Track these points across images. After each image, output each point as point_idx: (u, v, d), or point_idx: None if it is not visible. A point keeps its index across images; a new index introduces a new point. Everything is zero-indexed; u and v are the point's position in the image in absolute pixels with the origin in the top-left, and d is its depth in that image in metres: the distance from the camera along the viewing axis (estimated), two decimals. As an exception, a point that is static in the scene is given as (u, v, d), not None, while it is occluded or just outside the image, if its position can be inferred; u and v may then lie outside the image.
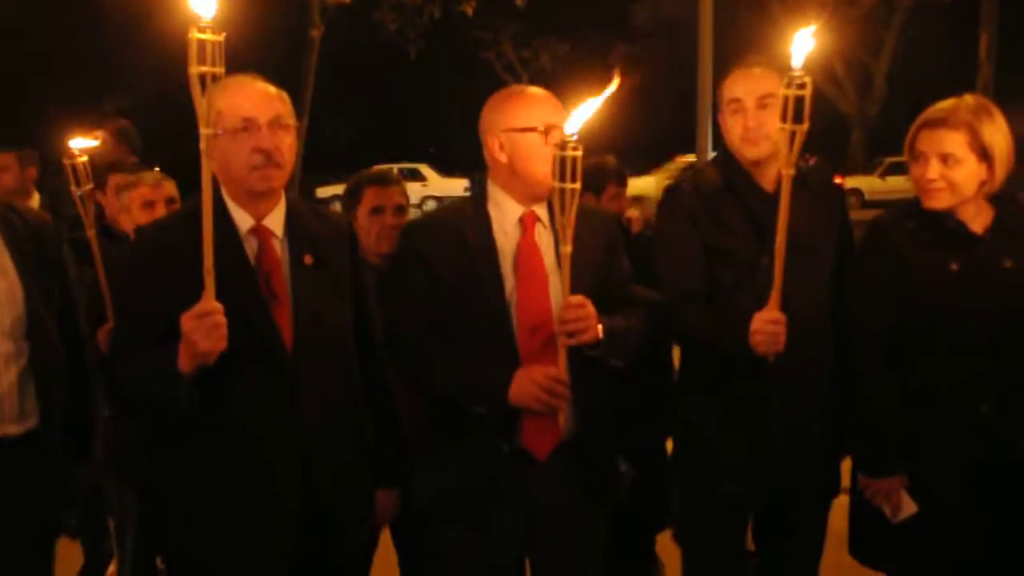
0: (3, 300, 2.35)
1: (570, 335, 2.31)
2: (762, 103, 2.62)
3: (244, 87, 2.27)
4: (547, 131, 2.40)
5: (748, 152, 2.66)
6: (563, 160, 2.19)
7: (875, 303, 2.60)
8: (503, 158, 2.46)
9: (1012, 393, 2.52)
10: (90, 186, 3.04)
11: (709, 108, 12.26)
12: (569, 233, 2.25)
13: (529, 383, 2.33)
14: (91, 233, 3.04)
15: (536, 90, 2.54)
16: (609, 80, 2.27)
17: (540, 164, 2.39)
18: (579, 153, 2.20)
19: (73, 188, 3.02)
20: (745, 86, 2.66)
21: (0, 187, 4.82)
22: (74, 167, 3.00)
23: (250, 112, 2.23)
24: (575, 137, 2.20)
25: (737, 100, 2.67)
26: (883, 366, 2.58)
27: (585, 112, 2.22)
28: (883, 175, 24.63)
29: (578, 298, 2.31)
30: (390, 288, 2.62)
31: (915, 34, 25.25)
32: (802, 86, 2.24)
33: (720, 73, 2.79)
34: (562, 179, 2.20)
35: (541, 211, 2.51)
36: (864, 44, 25.23)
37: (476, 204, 2.55)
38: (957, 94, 2.59)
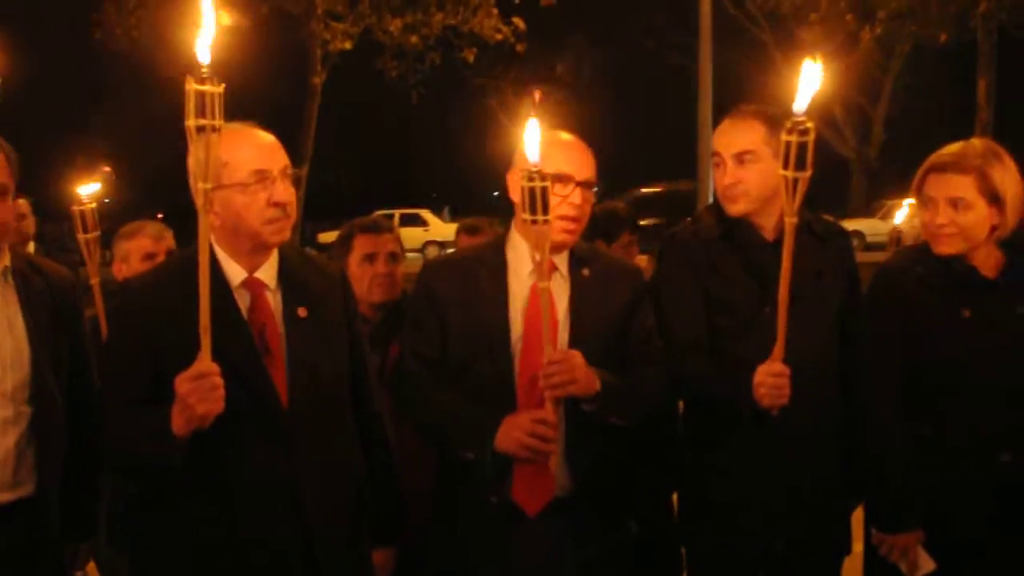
0: (8, 362, 2.30)
1: (554, 388, 2.25)
2: (740, 159, 2.55)
3: (249, 137, 2.22)
4: (553, 178, 2.34)
5: (727, 208, 2.61)
6: (531, 191, 2.13)
7: (885, 352, 2.54)
8: (517, 199, 2.41)
9: None
10: (97, 233, 3.01)
11: (710, 156, 12.29)
12: (545, 268, 2.19)
13: (513, 428, 2.28)
14: (95, 281, 3.01)
15: (559, 137, 2.49)
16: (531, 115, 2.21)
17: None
18: (547, 184, 2.14)
19: (80, 235, 2.99)
20: (725, 140, 2.60)
21: (19, 234, 4.88)
22: (82, 213, 2.99)
23: (262, 164, 2.17)
24: (535, 167, 2.13)
25: (717, 154, 2.62)
26: (895, 416, 2.51)
27: (533, 143, 2.16)
28: (884, 217, 24.70)
29: (563, 352, 2.27)
30: (389, 339, 2.58)
31: (912, 80, 25.48)
32: (805, 132, 2.16)
33: (720, 120, 2.74)
34: (532, 211, 2.13)
35: (560, 261, 2.46)
36: (862, 89, 25.45)
37: (495, 248, 2.52)
38: (956, 138, 2.55)
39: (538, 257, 2.19)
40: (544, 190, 2.13)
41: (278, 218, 2.18)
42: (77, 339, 2.51)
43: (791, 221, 2.25)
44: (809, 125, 2.17)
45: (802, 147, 2.17)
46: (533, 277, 2.42)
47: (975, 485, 2.45)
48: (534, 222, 2.14)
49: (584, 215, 2.45)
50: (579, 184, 2.41)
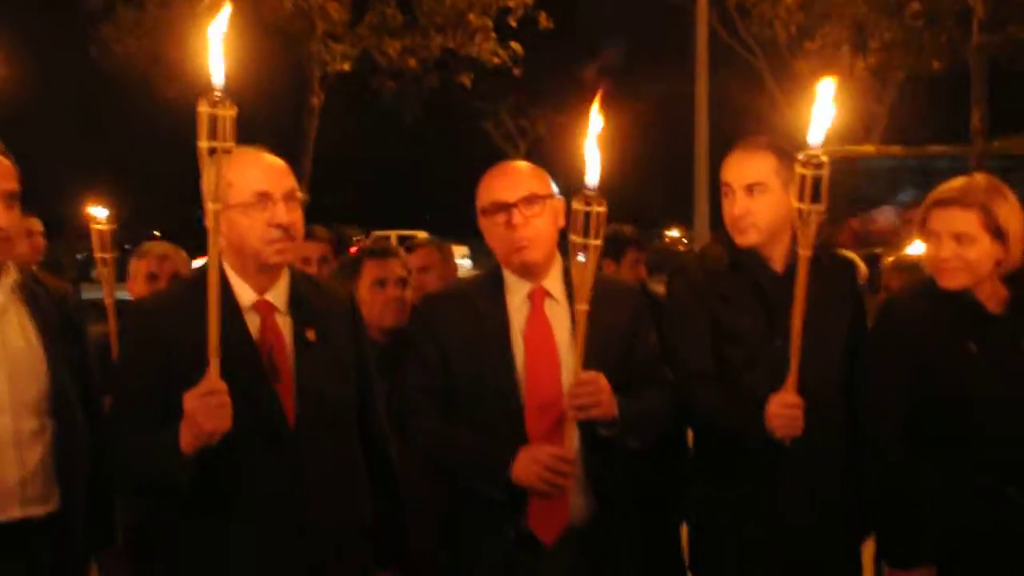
0: (28, 374, 2.31)
1: (579, 410, 2.24)
2: (750, 190, 2.56)
3: (255, 160, 2.24)
4: (493, 210, 2.40)
5: (736, 239, 2.61)
6: (586, 216, 2.14)
7: (892, 386, 2.53)
8: (493, 242, 2.46)
9: None
10: (114, 253, 3.09)
11: (706, 184, 12.36)
12: (585, 292, 2.19)
13: (532, 462, 2.27)
14: (109, 301, 3.05)
15: (497, 168, 2.50)
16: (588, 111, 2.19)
17: (496, 243, 2.42)
18: (603, 208, 2.13)
19: (97, 254, 3.05)
20: (735, 171, 2.60)
21: (32, 252, 4.89)
22: (100, 233, 3.07)
23: (265, 186, 2.20)
24: (593, 190, 2.13)
25: (727, 184, 2.62)
26: (905, 452, 2.50)
27: (594, 162, 2.15)
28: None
29: (590, 374, 2.24)
30: (402, 361, 2.57)
31: (906, 110, 25.68)
32: (819, 165, 2.17)
33: (716, 148, 2.76)
34: (585, 234, 2.14)
35: (552, 285, 2.47)
36: (858, 118, 25.64)
37: (491, 277, 2.52)
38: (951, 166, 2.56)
39: (581, 280, 2.18)
40: (599, 215, 2.12)
41: (279, 239, 2.19)
42: (83, 353, 2.52)
43: (805, 254, 2.25)
44: (823, 159, 2.17)
45: (816, 180, 2.18)
46: (527, 306, 2.43)
47: (984, 519, 2.44)
48: (585, 246, 2.15)
49: (532, 231, 2.40)
50: (515, 205, 2.40)
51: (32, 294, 2.39)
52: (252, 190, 2.18)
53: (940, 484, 2.47)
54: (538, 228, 2.42)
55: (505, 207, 2.40)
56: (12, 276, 2.37)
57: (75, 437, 2.37)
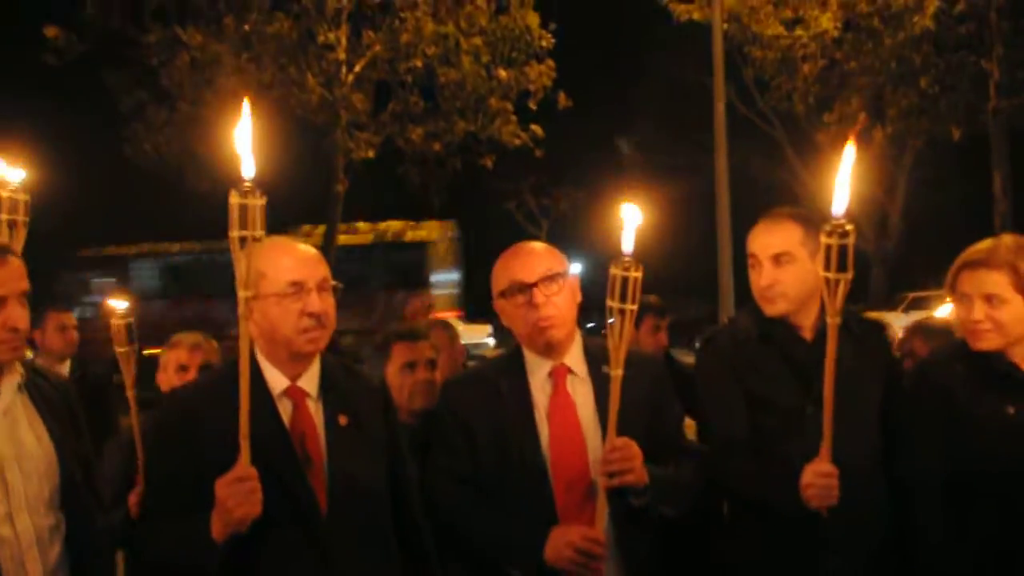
0: (42, 471, 2.30)
1: (612, 476, 2.23)
2: (777, 260, 2.58)
3: (288, 250, 2.26)
4: (512, 291, 2.43)
5: (765, 309, 2.62)
6: (624, 280, 2.18)
7: (930, 450, 2.50)
8: (512, 323, 2.48)
9: None
10: (133, 346, 3.00)
11: (729, 256, 12.34)
12: (621, 356, 2.20)
13: (565, 545, 2.25)
14: (131, 393, 2.98)
15: (513, 250, 2.53)
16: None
17: (518, 324, 2.44)
18: (638, 274, 2.18)
19: (118, 348, 2.97)
20: (761, 242, 2.62)
21: (66, 345, 4.96)
22: (119, 327, 2.96)
23: (299, 276, 2.21)
24: (629, 257, 2.19)
25: (753, 256, 2.64)
26: (944, 517, 2.45)
27: (631, 231, 2.21)
28: (907, 310, 24.62)
29: (623, 440, 2.24)
30: (428, 447, 2.57)
31: (927, 173, 25.73)
32: (844, 235, 2.18)
33: (737, 221, 2.78)
34: (622, 299, 2.17)
35: (574, 362, 2.48)
36: (878, 183, 25.73)
37: (512, 357, 2.53)
38: (975, 229, 2.55)
39: (616, 345, 2.21)
40: (635, 281, 2.19)
41: (312, 328, 2.21)
42: (87, 446, 2.51)
43: (834, 322, 2.25)
44: (849, 228, 2.19)
45: (842, 249, 2.19)
46: (549, 384, 2.45)
47: None
48: (621, 311, 2.19)
49: (555, 309, 2.43)
50: (535, 284, 2.43)
51: (37, 389, 2.39)
52: (286, 280, 2.20)
53: (981, 549, 2.42)
54: (559, 306, 2.44)
55: (525, 287, 2.43)
56: (18, 374, 2.37)
57: (89, 531, 2.37)
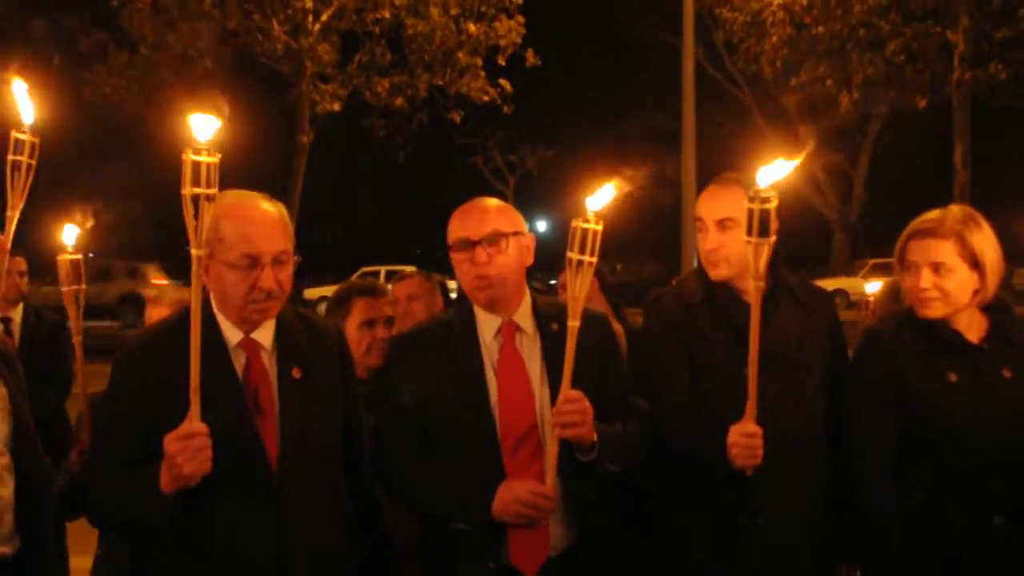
0: (3, 411, 2.29)
1: (566, 427, 2.26)
2: (722, 225, 2.61)
3: (249, 217, 2.20)
4: (458, 246, 2.43)
5: (710, 272, 2.66)
6: (583, 232, 2.21)
7: (874, 415, 2.55)
8: (461, 278, 2.49)
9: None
10: (82, 285, 2.81)
11: (694, 219, 12.40)
12: (578, 308, 2.24)
13: (512, 500, 2.28)
14: (77, 340, 2.84)
15: (465, 206, 2.51)
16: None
17: (462, 279, 2.46)
18: (599, 227, 2.21)
19: (64, 288, 2.78)
20: (708, 206, 2.66)
21: (15, 290, 4.87)
22: (67, 264, 2.75)
23: (254, 249, 2.17)
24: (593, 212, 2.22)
25: (700, 219, 2.68)
26: (886, 480, 2.51)
27: (605, 193, 2.24)
28: (866, 276, 24.96)
29: (576, 392, 2.27)
30: (376, 401, 2.56)
31: (891, 142, 25.99)
32: (765, 200, 2.23)
33: (703, 183, 2.80)
34: (581, 251, 2.21)
35: (522, 319, 2.49)
36: (843, 152, 25.93)
37: (462, 314, 2.52)
38: (935, 199, 2.59)
39: (574, 295, 2.24)
40: (595, 234, 2.22)
41: (262, 300, 2.19)
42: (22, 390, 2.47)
43: (757, 285, 2.30)
44: (770, 194, 2.24)
45: (764, 214, 2.24)
46: (498, 341, 2.46)
47: (969, 550, 2.44)
48: (580, 263, 2.22)
49: (494, 269, 2.42)
50: (478, 243, 2.42)
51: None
52: (241, 251, 2.16)
53: (924, 515, 2.47)
54: (500, 266, 2.42)
55: (469, 244, 2.42)
56: None
57: (39, 473, 2.36)
